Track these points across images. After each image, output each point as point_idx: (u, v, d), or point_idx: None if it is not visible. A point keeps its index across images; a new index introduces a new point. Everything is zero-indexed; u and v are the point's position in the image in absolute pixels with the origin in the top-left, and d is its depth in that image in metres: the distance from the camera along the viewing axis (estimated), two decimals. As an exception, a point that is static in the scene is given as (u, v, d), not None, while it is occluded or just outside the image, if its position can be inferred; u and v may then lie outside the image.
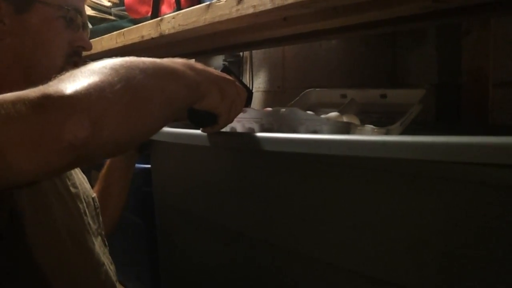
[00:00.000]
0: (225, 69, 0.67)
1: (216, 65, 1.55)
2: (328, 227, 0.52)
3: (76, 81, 0.44)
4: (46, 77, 0.73)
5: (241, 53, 1.53)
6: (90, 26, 1.47)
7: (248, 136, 0.59)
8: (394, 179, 0.45)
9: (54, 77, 0.47)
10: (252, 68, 1.51)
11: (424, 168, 0.42)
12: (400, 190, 0.45)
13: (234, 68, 1.54)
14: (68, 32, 0.76)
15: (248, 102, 0.69)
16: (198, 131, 0.66)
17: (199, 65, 0.59)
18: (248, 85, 1.53)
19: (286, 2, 0.63)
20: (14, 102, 0.42)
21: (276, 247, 0.61)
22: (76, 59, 0.79)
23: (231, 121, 0.64)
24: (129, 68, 0.47)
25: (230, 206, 0.69)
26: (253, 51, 1.51)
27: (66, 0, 0.75)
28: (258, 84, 1.51)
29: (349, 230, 0.50)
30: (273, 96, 1.46)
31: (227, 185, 0.69)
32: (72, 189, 0.83)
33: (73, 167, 0.85)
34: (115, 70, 0.46)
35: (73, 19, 0.77)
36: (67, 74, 0.46)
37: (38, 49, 0.74)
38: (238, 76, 0.70)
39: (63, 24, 0.75)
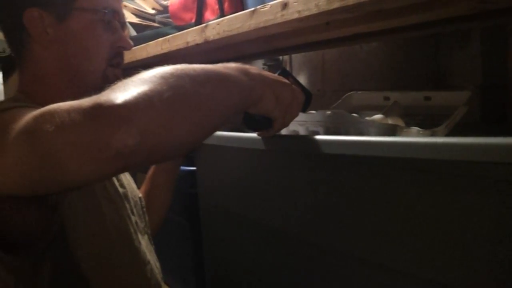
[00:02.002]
0: (282, 72, 0.66)
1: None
2: (378, 229, 0.53)
3: (127, 91, 0.45)
4: (90, 81, 0.77)
5: (280, 57, 1.54)
6: (134, 33, 1.53)
7: (302, 138, 0.60)
8: (450, 181, 0.46)
9: (107, 86, 0.49)
10: (292, 72, 1.53)
11: (471, 169, 0.43)
12: (448, 191, 0.45)
13: (274, 73, 1.55)
14: (107, 34, 0.78)
15: (307, 104, 0.68)
16: (248, 134, 0.67)
17: (254, 69, 0.58)
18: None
19: (331, 7, 0.63)
20: (69, 111, 0.45)
21: (326, 249, 0.62)
22: (118, 60, 0.82)
23: (287, 124, 0.64)
24: (178, 76, 0.48)
25: (279, 208, 0.70)
26: (293, 55, 1.52)
27: (102, 3, 0.77)
28: (298, 87, 1.52)
29: (398, 231, 0.50)
30: (313, 99, 1.46)
31: (276, 187, 0.70)
32: (121, 189, 0.86)
33: (121, 172, 0.88)
34: (164, 78, 0.47)
35: (111, 21, 0.79)
36: (119, 83, 0.48)
37: (80, 54, 0.77)
38: (296, 79, 0.69)
39: (102, 27, 0.78)
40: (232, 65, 0.57)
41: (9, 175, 0.49)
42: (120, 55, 0.82)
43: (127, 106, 0.44)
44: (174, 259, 1.22)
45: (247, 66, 0.58)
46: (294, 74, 1.53)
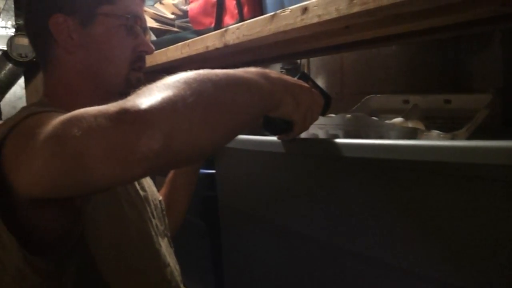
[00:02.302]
0: (302, 76, 0.67)
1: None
2: (400, 232, 0.53)
3: (151, 96, 0.46)
4: (114, 84, 0.79)
5: (298, 60, 1.54)
6: (154, 38, 1.55)
7: (321, 141, 0.60)
8: (467, 184, 0.46)
9: (132, 91, 0.50)
10: (309, 75, 1.53)
11: (493, 172, 0.42)
12: (470, 194, 0.45)
13: (292, 76, 1.55)
14: (129, 39, 0.80)
15: (326, 108, 0.68)
16: (268, 137, 0.68)
17: (274, 74, 0.59)
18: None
19: (351, 11, 0.64)
20: (95, 116, 0.46)
21: (344, 251, 0.62)
22: (140, 64, 0.83)
23: (307, 128, 0.64)
24: (201, 81, 0.49)
25: (299, 211, 0.70)
26: (311, 58, 1.52)
27: (125, 8, 0.79)
28: (316, 90, 1.52)
29: (421, 234, 0.50)
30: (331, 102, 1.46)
31: (295, 189, 0.71)
32: (141, 192, 0.87)
33: (146, 176, 0.89)
34: (188, 84, 0.48)
35: (133, 26, 0.80)
36: (144, 88, 0.49)
37: (104, 59, 0.78)
38: (316, 82, 0.69)
39: (124, 32, 0.79)
40: (253, 69, 0.57)
41: (37, 178, 0.51)
42: (142, 59, 0.84)
43: (152, 111, 0.45)
44: (193, 261, 1.23)
45: (267, 71, 0.59)
46: (312, 77, 1.53)
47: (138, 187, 0.87)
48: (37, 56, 0.81)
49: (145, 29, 0.85)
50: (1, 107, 4.81)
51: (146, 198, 0.88)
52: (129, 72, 0.81)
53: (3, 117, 4.01)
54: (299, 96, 0.60)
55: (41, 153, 0.49)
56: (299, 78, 0.65)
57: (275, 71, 0.61)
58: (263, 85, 0.56)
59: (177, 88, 0.47)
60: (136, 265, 0.78)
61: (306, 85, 0.63)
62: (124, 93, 0.78)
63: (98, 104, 0.70)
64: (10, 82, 4.66)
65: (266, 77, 0.57)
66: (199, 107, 0.47)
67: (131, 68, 0.81)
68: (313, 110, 0.63)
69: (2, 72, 4.69)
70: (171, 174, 1.08)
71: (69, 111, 0.58)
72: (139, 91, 0.49)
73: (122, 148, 0.45)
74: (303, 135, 0.68)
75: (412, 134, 0.64)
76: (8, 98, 4.85)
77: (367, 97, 0.99)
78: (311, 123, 0.64)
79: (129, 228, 0.79)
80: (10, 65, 3.94)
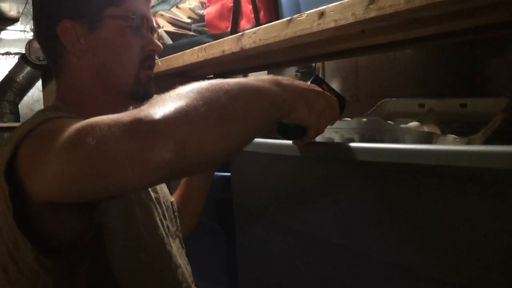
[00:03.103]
0: (316, 80, 0.67)
1: (288, 76, 1.58)
2: (414, 236, 0.53)
3: (165, 106, 0.48)
4: (124, 84, 0.80)
5: (313, 64, 1.55)
6: (170, 41, 1.56)
7: (337, 145, 0.60)
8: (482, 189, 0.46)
9: (146, 101, 0.51)
10: (324, 78, 1.53)
11: (509, 178, 0.42)
12: (487, 200, 0.45)
13: (305, 79, 1.56)
14: (137, 39, 0.80)
15: (341, 110, 0.68)
16: (283, 141, 0.68)
17: (286, 80, 0.60)
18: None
19: (368, 16, 0.64)
20: (109, 125, 0.47)
21: (360, 255, 0.62)
22: (150, 62, 0.84)
23: (322, 132, 0.64)
24: (214, 91, 0.50)
25: (314, 214, 0.70)
26: (325, 61, 1.53)
27: (130, 9, 0.79)
28: (331, 94, 1.52)
29: (438, 239, 0.50)
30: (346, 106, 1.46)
31: (310, 193, 0.71)
32: (153, 194, 0.88)
33: (160, 184, 0.90)
34: (200, 94, 0.49)
35: (140, 26, 0.80)
36: (157, 98, 0.50)
37: (113, 61, 0.79)
38: (330, 85, 0.69)
39: (131, 33, 0.80)
40: (265, 77, 0.58)
41: (51, 183, 0.52)
42: (151, 58, 0.84)
43: (165, 121, 0.46)
44: (207, 263, 1.24)
45: (279, 78, 0.59)
46: (326, 80, 1.54)
47: (149, 188, 0.88)
48: (48, 62, 0.82)
49: (152, 28, 0.86)
50: (20, 109, 4.88)
51: (157, 200, 0.89)
52: (138, 71, 0.81)
53: (21, 119, 4.07)
54: (312, 101, 0.60)
55: (56, 160, 0.51)
56: (312, 82, 0.65)
57: (288, 77, 0.61)
58: (275, 92, 0.56)
59: (190, 98, 0.48)
60: (147, 266, 0.79)
61: (319, 89, 0.63)
62: (135, 92, 0.80)
63: (110, 106, 0.72)
64: (28, 85, 4.74)
65: (278, 84, 0.57)
66: (211, 116, 0.48)
67: (141, 67, 0.82)
68: (326, 114, 0.62)
69: (21, 75, 4.77)
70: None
71: (82, 114, 0.62)
72: (152, 101, 0.50)
73: (137, 157, 0.46)
74: (318, 138, 0.68)
75: (428, 138, 0.64)
76: (26, 101, 4.92)
77: (382, 100, 0.99)
78: (325, 127, 0.64)
79: (140, 229, 0.80)
80: (28, 68, 4.01)
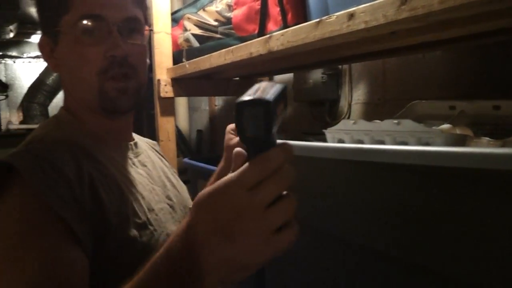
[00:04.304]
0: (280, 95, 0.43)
1: (314, 78, 1.58)
2: (443, 237, 0.52)
3: None
4: (89, 100, 0.75)
5: (340, 66, 1.54)
6: (197, 44, 1.58)
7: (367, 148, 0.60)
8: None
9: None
10: (351, 80, 1.52)
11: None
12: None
13: (333, 81, 1.55)
14: (95, 47, 0.71)
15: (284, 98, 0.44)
16: (314, 143, 0.68)
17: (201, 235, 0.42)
18: (347, 98, 1.54)
19: (399, 17, 0.63)
20: None
21: (391, 258, 0.62)
22: (115, 71, 0.72)
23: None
24: None
25: (340, 216, 0.70)
26: (352, 63, 1.52)
27: (80, 12, 0.70)
28: (358, 96, 1.51)
29: (472, 242, 0.50)
30: (373, 108, 1.45)
31: (340, 196, 0.71)
32: (168, 202, 0.85)
33: None
34: None
35: (92, 30, 0.71)
36: None
37: (72, 75, 0.75)
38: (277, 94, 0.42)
39: (87, 40, 0.71)
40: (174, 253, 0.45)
41: None
42: (115, 65, 0.72)
43: None
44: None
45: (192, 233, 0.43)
46: (353, 83, 1.53)
47: (164, 195, 0.85)
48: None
49: (120, 28, 0.72)
50: (49, 111, 5.00)
51: (172, 207, 0.85)
52: (102, 84, 0.72)
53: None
54: (236, 235, 0.40)
55: None
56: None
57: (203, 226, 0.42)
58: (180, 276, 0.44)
59: None
60: None
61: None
62: (103, 107, 0.74)
63: (102, 117, 0.76)
64: (57, 87, 4.86)
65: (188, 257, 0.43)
66: None
67: (105, 79, 0.72)
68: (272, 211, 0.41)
69: (50, 78, 4.89)
70: (213, 177, 1.09)
71: (84, 123, 0.71)
72: None
73: None
74: (348, 142, 0.68)
75: (461, 141, 0.63)
76: (55, 103, 5.05)
77: (412, 102, 0.98)
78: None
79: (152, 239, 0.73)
80: (57, 71, 4.09)
